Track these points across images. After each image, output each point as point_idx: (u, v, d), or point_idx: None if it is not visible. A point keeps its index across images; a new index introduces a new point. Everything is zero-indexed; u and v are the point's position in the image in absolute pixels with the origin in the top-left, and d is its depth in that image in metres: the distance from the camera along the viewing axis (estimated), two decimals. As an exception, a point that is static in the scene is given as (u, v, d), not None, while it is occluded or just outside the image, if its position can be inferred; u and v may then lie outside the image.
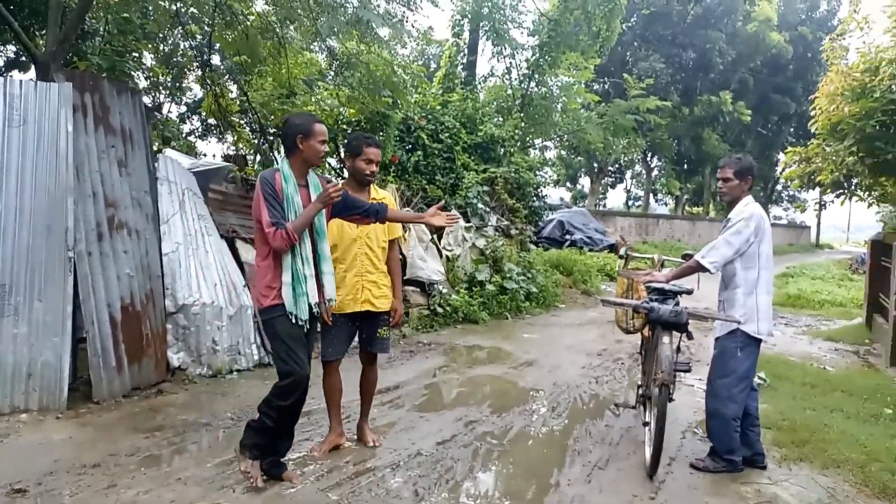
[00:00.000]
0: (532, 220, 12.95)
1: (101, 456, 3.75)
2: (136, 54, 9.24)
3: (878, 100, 8.41)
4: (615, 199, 47.28)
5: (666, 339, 3.87)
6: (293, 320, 3.33)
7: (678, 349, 4.17)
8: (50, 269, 4.47)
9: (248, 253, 6.41)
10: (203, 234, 5.84)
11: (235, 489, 3.43)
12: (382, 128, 9.68)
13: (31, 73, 8.42)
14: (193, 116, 15.19)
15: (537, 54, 14.98)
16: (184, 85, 13.07)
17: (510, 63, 15.54)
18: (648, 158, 34.86)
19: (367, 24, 7.44)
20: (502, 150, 12.60)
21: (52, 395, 4.41)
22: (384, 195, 4.12)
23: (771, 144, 35.48)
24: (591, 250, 16.78)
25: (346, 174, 4.13)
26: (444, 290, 9.00)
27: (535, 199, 12.98)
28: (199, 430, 4.31)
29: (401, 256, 8.73)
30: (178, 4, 8.29)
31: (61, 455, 3.75)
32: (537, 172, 14.00)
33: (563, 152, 27.85)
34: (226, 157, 9.73)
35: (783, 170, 11.96)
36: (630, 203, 43.34)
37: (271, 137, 10.45)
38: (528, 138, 15.73)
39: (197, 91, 13.02)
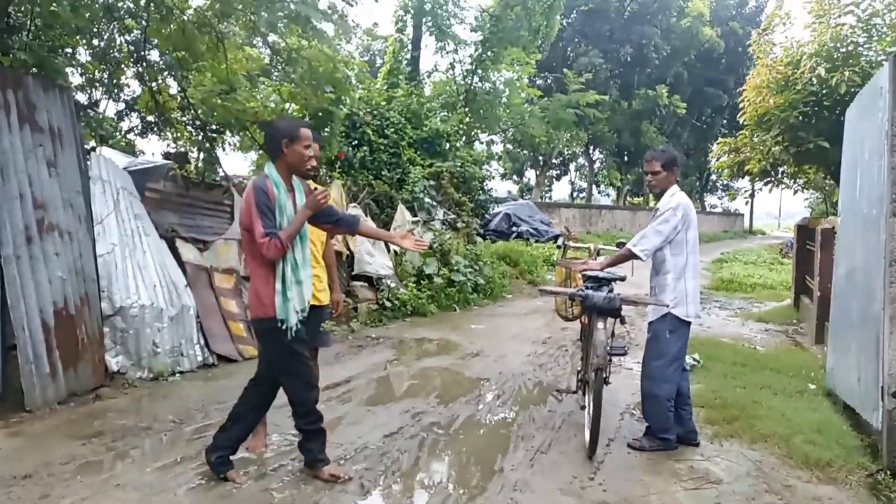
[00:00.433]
0: (478, 213, 13.11)
1: (33, 466, 3.63)
2: (69, 50, 8.87)
3: (799, 91, 8.89)
4: (560, 191, 48.14)
5: (601, 324, 4.02)
6: (282, 328, 3.32)
7: (613, 334, 4.33)
8: (-26, 275, 4.29)
9: (188, 252, 6.29)
10: (140, 234, 5.70)
11: (177, 492, 3.39)
12: (328, 124, 9.60)
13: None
14: (132, 114, 14.68)
15: (480, 50, 15.14)
16: (121, 81, 12.61)
17: (454, 59, 15.67)
18: (591, 151, 35.64)
19: (307, 20, 7.35)
20: (448, 144, 12.70)
21: (-20, 406, 4.24)
22: (323, 189, 4.10)
23: (705, 136, 36.79)
24: (537, 241, 17.08)
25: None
26: (393, 285, 9.03)
27: (480, 192, 13.15)
28: (139, 434, 4.23)
29: (348, 252, 8.77)
30: (110, -2, 8.00)
31: (-9, 466, 3.62)
32: (483, 166, 14.17)
33: (508, 146, 28.17)
34: (166, 155, 9.47)
35: (716, 160, 12.47)
36: (574, 195, 44.21)
37: (213, 134, 10.21)
38: (473, 133, 15.86)
39: (135, 87, 12.60)
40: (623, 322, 4.17)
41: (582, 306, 4.26)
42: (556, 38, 17.39)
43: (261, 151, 11.32)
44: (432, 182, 11.31)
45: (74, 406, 4.67)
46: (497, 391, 5.52)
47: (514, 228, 18.00)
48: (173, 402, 4.88)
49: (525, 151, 31.42)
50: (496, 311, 9.91)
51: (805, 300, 9.31)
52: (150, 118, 11.71)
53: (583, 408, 4.38)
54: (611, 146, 32.95)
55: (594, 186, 40.85)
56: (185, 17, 7.37)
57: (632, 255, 4.20)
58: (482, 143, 18.54)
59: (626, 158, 35.62)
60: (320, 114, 9.00)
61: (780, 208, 62.07)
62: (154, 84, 8.67)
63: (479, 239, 12.63)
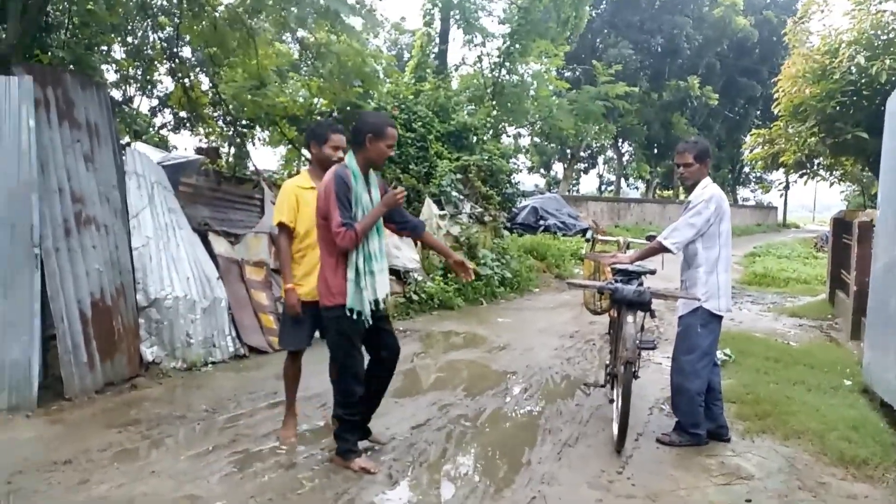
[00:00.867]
0: (505, 207, 13.05)
1: (72, 452, 3.74)
2: (104, 48, 9.08)
3: (837, 81, 8.65)
4: (588, 184, 47.57)
5: (630, 318, 3.98)
6: (354, 317, 3.41)
7: (642, 328, 4.29)
8: (15, 267, 4.41)
9: (220, 245, 6.39)
10: (174, 227, 5.81)
11: (210, 479, 3.46)
12: (355, 118, 9.67)
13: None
14: (165, 110, 14.96)
15: (508, 42, 15.03)
16: (154, 78, 12.87)
17: (481, 51, 15.60)
18: (619, 144, 35.21)
19: (336, 15, 7.41)
20: (475, 138, 12.67)
21: (21, 394, 4.37)
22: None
23: (738, 127, 36.04)
24: (564, 235, 16.95)
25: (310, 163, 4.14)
26: (420, 278, 9.05)
27: (508, 185, 13.07)
28: (173, 423, 4.32)
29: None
30: (143, -5, 8.17)
31: (31, 453, 3.73)
32: (510, 159, 14.10)
33: (536, 139, 28.00)
34: (198, 150, 9.65)
35: (749, 151, 12.21)
36: (602, 188, 43.76)
37: (243, 129, 10.37)
38: (500, 126, 15.80)
39: (168, 84, 12.84)
40: (653, 316, 4.13)
41: (611, 300, 4.23)
42: (585, 29, 17.22)
43: (290, 146, 11.47)
44: (459, 175, 11.29)
45: (111, 395, 4.80)
46: (524, 384, 5.51)
47: (542, 222, 17.88)
48: (206, 392, 4.98)
49: (552, 144, 31.18)
50: (523, 305, 9.88)
51: (840, 295, 9.08)
52: (183, 114, 11.90)
53: (611, 401, 4.35)
54: (640, 138, 32.49)
55: (623, 179, 40.36)
56: (217, 14, 7.49)
57: (662, 249, 4.15)
58: (509, 136, 18.50)
59: (655, 151, 35.10)
60: (348, 108, 9.08)
61: (814, 201, 60.59)
62: (186, 80, 8.83)
63: (506, 232, 12.58)
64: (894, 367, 4.44)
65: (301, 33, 9.08)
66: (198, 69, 11.31)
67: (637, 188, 44.83)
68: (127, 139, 8.09)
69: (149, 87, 12.91)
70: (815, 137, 9.44)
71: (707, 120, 33.69)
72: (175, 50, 9.31)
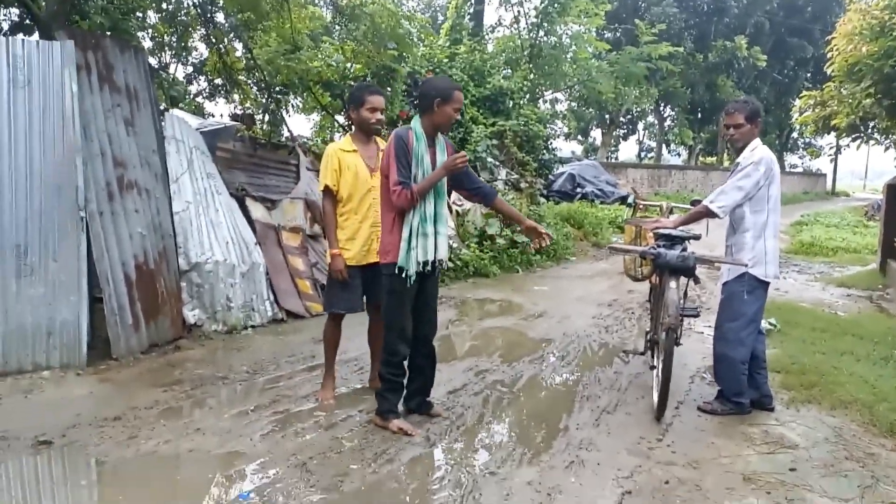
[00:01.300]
0: (542, 174, 12.88)
1: (121, 409, 3.86)
2: (140, 14, 9.12)
3: (897, 38, 8.16)
4: (627, 151, 46.56)
5: (673, 283, 3.88)
6: (403, 276, 3.47)
7: (685, 294, 4.18)
8: (62, 230, 4.52)
9: (257, 211, 6.45)
10: (212, 192, 5.87)
11: (252, 437, 3.54)
12: (389, 82, 9.56)
13: (35, 36, 8.35)
14: (200, 77, 15.07)
15: (546, 2, 14.61)
16: (189, 44, 12.94)
17: (518, 11, 15.25)
18: (661, 108, 34.21)
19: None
20: (511, 102, 12.45)
21: (71, 353, 4.52)
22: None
23: (787, 90, 34.60)
24: (602, 203, 16.68)
25: (353, 128, 4.11)
26: (455, 245, 9.02)
27: (544, 151, 12.88)
28: (216, 383, 4.42)
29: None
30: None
31: (83, 409, 3.86)
32: (547, 125, 13.83)
33: (573, 105, 27.38)
34: (233, 117, 9.70)
35: (799, 114, 11.70)
36: (642, 155, 42.77)
37: (278, 95, 10.36)
38: (537, 90, 15.47)
39: (203, 51, 12.90)
40: (697, 282, 4.02)
41: (653, 265, 4.12)
42: (626, -13, 16.57)
43: (323, 113, 11.44)
44: (495, 141, 11.15)
45: (156, 356, 4.93)
46: (561, 352, 5.47)
47: (579, 189, 17.60)
48: (246, 354, 5.08)
49: (591, 110, 30.48)
50: (560, 273, 9.78)
51: (893, 264, 8.74)
52: (218, 81, 11.96)
53: (652, 368, 4.28)
54: (683, 102, 31.47)
55: (664, 146, 39.31)
56: (251, -23, 7.42)
57: (708, 213, 4.02)
58: (546, 101, 18.12)
59: (699, 115, 34.01)
60: (382, 72, 8.97)
61: (866, 168, 58.19)
62: (221, 46, 8.82)
63: (542, 200, 12.42)
64: (952, 338, 4.25)
65: (334, -5, 8.99)
66: (231, 35, 11.32)
67: (679, 154, 43.66)
68: (164, 105, 8.17)
69: (184, 53, 12.99)
70: (871, 99, 8.97)
71: (754, 82, 32.39)
72: (209, 15, 9.31)
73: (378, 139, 4.10)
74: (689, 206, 4.87)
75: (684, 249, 4.05)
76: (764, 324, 5.54)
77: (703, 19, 30.07)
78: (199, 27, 9.56)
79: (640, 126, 40.86)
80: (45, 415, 3.77)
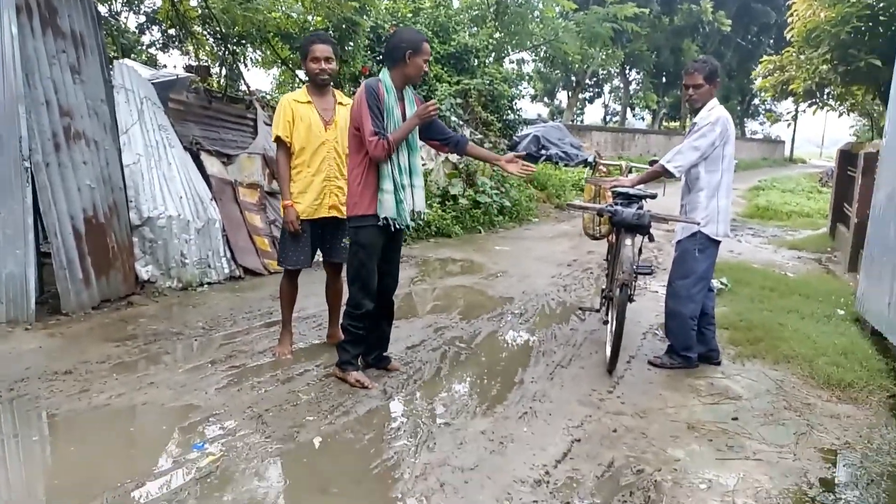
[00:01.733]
0: (506, 134, 12.83)
1: (72, 363, 3.80)
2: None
3: (854, 5, 8.29)
4: (593, 114, 46.72)
5: (628, 241, 3.95)
6: (391, 226, 3.46)
7: (640, 252, 4.27)
8: (5, 181, 4.34)
9: (213, 166, 6.29)
10: (165, 145, 5.69)
11: (207, 391, 3.52)
12: (351, 36, 9.34)
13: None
14: (153, 27, 14.46)
15: (513, -42, 14.37)
16: (141, -9, 12.38)
17: (485, -33, 14.91)
18: (626, 71, 34.24)
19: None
20: (476, 60, 12.30)
21: (19, 307, 4.40)
22: (349, 101, 4.03)
23: (750, 56, 34.89)
24: (566, 165, 16.73)
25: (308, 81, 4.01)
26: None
27: (509, 111, 12.82)
28: (170, 338, 4.37)
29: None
30: None
31: (32, 363, 3.78)
32: (513, 85, 13.74)
33: (540, 66, 27.19)
34: (187, 68, 9.35)
35: (759, 79, 11.87)
36: (608, 118, 42.95)
37: (235, 47, 10.02)
38: (503, 49, 15.29)
39: (156, 0, 12.35)
40: (651, 239, 4.10)
41: (610, 222, 4.18)
42: (594, -54, 16.37)
43: (283, 67, 11.12)
44: (459, 100, 11.04)
45: (108, 311, 4.83)
46: (520, 310, 5.55)
47: (543, 151, 17.59)
48: (202, 310, 5.02)
49: (557, 72, 30.33)
50: (522, 234, 9.86)
51: (841, 228, 9.05)
52: (172, 31, 11.48)
53: (605, 323, 4.39)
54: (648, 66, 31.52)
55: (629, 109, 39.50)
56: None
57: (665, 172, 4.08)
58: (513, 62, 17.94)
59: (664, 79, 34.16)
60: (344, 25, 8.74)
61: (823, 136, 59.70)
62: (175, -7, 8.43)
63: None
64: (887, 296, 4.45)
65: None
66: (187, -19, 10.83)
67: (643, 119, 43.99)
68: (114, 55, 7.82)
69: (135, 1, 12.42)
70: (827, 65, 9.14)
71: (718, 47, 32.56)
72: (163, -40, 8.88)
73: (337, 92, 4.02)
74: (647, 166, 4.92)
75: (640, 208, 4.12)
76: (716, 283, 5.71)
77: (670, -19, 29.93)
78: (150, -28, 9.12)
79: (606, 89, 40.92)
80: (-9, 369, 3.68)
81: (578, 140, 20.53)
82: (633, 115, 43.01)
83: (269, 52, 9.91)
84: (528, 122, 17.99)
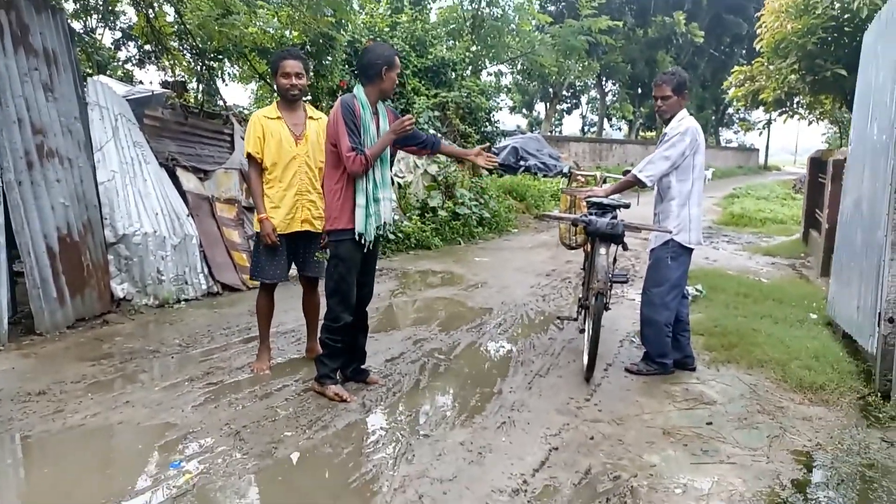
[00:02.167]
0: (484, 146, 12.91)
1: (46, 384, 3.75)
2: (59, -28, 8.59)
3: (819, 16, 8.52)
4: (571, 125, 47.30)
5: (603, 250, 4.01)
6: (362, 242, 3.50)
7: (615, 261, 4.33)
8: (-24, 200, 4.30)
9: (189, 182, 6.26)
10: (140, 161, 5.66)
11: (184, 409, 3.50)
12: (329, 51, 9.37)
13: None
14: (129, 43, 14.38)
15: (488, -27, 14.55)
16: (116, 8, 12.30)
17: (461, -18, 15.07)
18: (603, 83, 34.74)
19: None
20: (453, 74, 12.41)
21: (-9, 328, 4.34)
22: (320, 115, 4.06)
23: (723, 66, 35.56)
24: (545, 176, 16.90)
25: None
26: (397, 217, 9.01)
27: (487, 123, 12.92)
28: (146, 356, 4.33)
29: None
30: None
31: (4, 384, 3.73)
32: (490, 98, 13.86)
33: (518, 78, 27.47)
34: (163, 84, 9.32)
35: (731, 89, 12.12)
36: (585, 129, 43.43)
37: (211, 62, 10.00)
38: (480, 62, 15.45)
39: (131, 15, 12.28)
40: (625, 248, 4.16)
41: (585, 232, 4.24)
42: (568, -39, 16.62)
43: (261, 82, 11.12)
44: (437, 113, 11.12)
45: (83, 330, 4.78)
46: (499, 320, 5.58)
47: (522, 163, 17.77)
48: (179, 328, 4.98)
49: (535, 84, 30.66)
50: (501, 245, 9.92)
51: (814, 234, 9.23)
52: (148, 47, 11.42)
53: (582, 332, 4.43)
54: (624, 77, 32.04)
55: (606, 120, 40.01)
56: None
57: (637, 182, 4.15)
58: (490, 74, 18.10)
59: (639, 90, 34.69)
60: (321, 40, 8.78)
61: (796, 144, 60.91)
62: (150, 10, 8.42)
63: (485, 172, 12.50)
64: (856, 300, 4.55)
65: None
66: (162, -2, 10.80)
67: (620, 129, 44.57)
68: (89, 71, 7.77)
69: (111, 17, 12.35)
70: (796, 75, 9.37)
71: (692, 58, 33.23)
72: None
73: (308, 107, 4.04)
74: (621, 177, 5.00)
75: (614, 217, 4.18)
76: (691, 290, 5.80)
77: (643, -6, 30.48)
78: (125, -11, 9.09)
79: (584, 100, 41.43)
80: (-38, 392, 3.62)
81: (557, 151, 20.76)
82: (611, 126, 43.58)
83: (246, 68, 9.91)
84: (506, 134, 18.15)
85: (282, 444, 3.14)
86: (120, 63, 11.90)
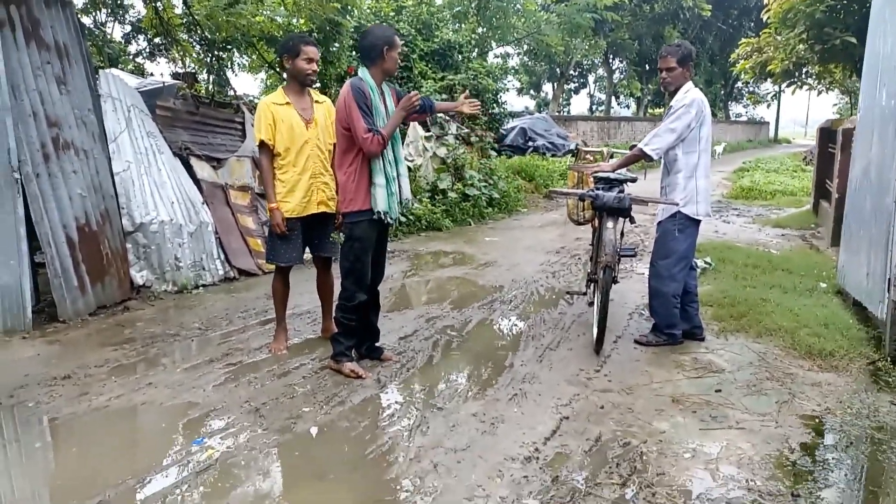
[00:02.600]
0: (493, 128, 12.93)
1: (70, 368, 3.87)
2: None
3: (828, -16, 8.41)
4: (579, 104, 46.96)
5: (610, 224, 4.06)
6: (386, 221, 3.58)
7: (622, 234, 4.37)
8: (-3, 193, 4.41)
9: (203, 170, 6.36)
10: (154, 151, 5.76)
11: (205, 388, 3.61)
12: (335, 37, 9.40)
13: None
14: (139, 36, 14.47)
15: (492, -47, 14.44)
16: (125, 2, 12.38)
17: (465, -37, 14.96)
18: (610, 61, 34.38)
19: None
20: (460, 56, 12.39)
21: (15, 317, 4.47)
22: (324, 99, 4.12)
23: (731, 40, 34.95)
24: (553, 156, 16.83)
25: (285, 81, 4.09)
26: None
27: (495, 105, 12.91)
28: (167, 340, 4.45)
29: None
30: None
31: (31, 370, 3.86)
32: (497, 79, 13.83)
33: (525, 59, 27.29)
34: (174, 76, 9.40)
35: (739, 61, 11.98)
36: (593, 108, 43.09)
37: (220, 53, 10.07)
38: (486, 44, 15.38)
39: (140, 8, 12.35)
40: (633, 222, 4.20)
41: (592, 207, 4.28)
42: (573, -64, 16.43)
43: (270, 71, 11.18)
44: (444, 96, 11.12)
45: (104, 317, 4.90)
46: (509, 297, 5.65)
47: (530, 143, 17.69)
48: (198, 312, 5.10)
49: (542, 64, 30.43)
50: (511, 225, 9.96)
51: (824, 204, 9.19)
52: (157, 40, 11.50)
53: (591, 305, 4.50)
54: (631, 54, 31.66)
55: (613, 98, 39.65)
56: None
57: (643, 155, 4.18)
58: (497, 56, 18.03)
59: (647, 67, 34.28)
60: (328, 27, 8.81)
61: (807, 116, 60.05)
62: (158, 2, 8.49)
63: (493, 153, 12.51)
64: (865, 267, 4.57)
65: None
66: (169, -11, 10.85)
67: (628, 107, 44.18)
68: (100, 64, 7.86)
69: (120, 11, 12.42)
70: (804, 44, 9.27)
71: (700, 33, 32.76)
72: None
73: (311, 91, 4.09)
74: (628, 151, 5.02)
75: (621, 191, 4.22)
76: (700, 262, 5.84)
77: (649, -31, 30.03)
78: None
79: (591, 79, 41.07)
80: (-9, 377, 3.75)
81: (565, 130, 20.63)
82: (619, 104, 43.22)
83: (255, 57, 9.96)
84: (514, 115, 18.09)
85: (300, 419, 3.24)
86: (131, 57, 11.99)
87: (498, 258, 7.30)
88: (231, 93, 9.15)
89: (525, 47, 19.51)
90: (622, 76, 36.19)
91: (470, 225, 9.67)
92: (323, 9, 8.01)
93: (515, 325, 4.89)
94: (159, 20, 8.39)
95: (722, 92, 39.65)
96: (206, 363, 4.00)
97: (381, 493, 2.62)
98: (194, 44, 10.41)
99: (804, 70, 10.52)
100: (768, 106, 41.28)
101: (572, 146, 18.33)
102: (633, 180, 4.46)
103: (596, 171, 4.43)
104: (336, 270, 4.28)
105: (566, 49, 18.31)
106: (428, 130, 10.44)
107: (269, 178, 3.95)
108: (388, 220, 3.63)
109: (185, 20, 9.29)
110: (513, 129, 17.75)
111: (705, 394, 3.55)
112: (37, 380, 3.71)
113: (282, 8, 9.10)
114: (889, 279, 3.95)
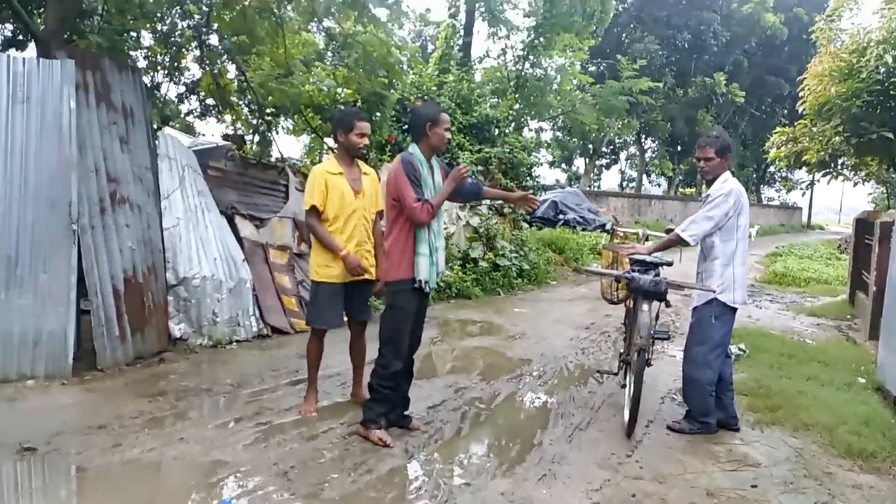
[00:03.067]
0: (525, 200, 13.09)
1: (106, 418, 3.94)
2: (135, 34, 9.30)
3: (864, 80, 8.57)
4: (610, 180, 47.42)
5: (645, 307, 4.07)
6: (424, 289, 3.68)
7: (657, 318, 4.37)
8: (55, 242, 4.62)
9: (246, 229, 6.58)
10: (203, 209, 6.00)
11: (235, 447, 3.64)
12: (379, 108, 9.79)
13: (29, 51, 8.47)
14: (192, 96, 15.27)
15: (532, 35, 15.05)
16: (182, 65, 13.16)
17: (505, 44, 15.63)
18: (642, 140, 34.98)
19: (364, 5, 7.53)
20: (497, 130, 12.74)
21: (57, 363, 4.59)
22: (370, 171, 4.29)
23: (764, 126, 35.49)
24: (583, 230, 16.97)
25: (335, 151, 4.29)
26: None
27: (528, 178, 13.14)
28: (200, 395, 4.51)
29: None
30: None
31: (68, 417, 3.93)
32: (532, 153, 14.14)
33: (558, 134, 27.90)
34: (224, 137, 9.85)
35: (773, 149, 12.12)
36: (624, 184, 43.47)
37: (269, 117, 10.55)
38: (522, 119, 15.83)
39: (195, 71, 13.09)
40: (668, 305, 4.22)
41: (628, 289, 4.32)
42: (610, 23, 17.13)
43: (313, 135, 11.62)
44: (480, 167, 11.39)
45: (141, 368, 5.00)
46: (538, 371, 5.62)
47: (561, 216, 17.92)
48: (231, 368, 5.17)
49: (574, 139, 31.04)
50: (540, 297, 9.97)
51: (861, 295, 9.03)
52: (210, 101, 12.11)
53: (623, 387, 4.46)
54: (663, 135, 32.23)
55: (645, 176, 40.04)
56: (247, 3, 7.64)
57: (680, 241, 4.23)
58: (531, 130, 18.49)
59: (679, 148, 34.77)
60: (372, 98, 9.19)
61: (840, 203, 59.57)
62: (215, 68, 9.00)
63: (525, 225, 12.66)
64: (907, 365, 4.48)
65: (328, 23, 9.23)
66: (225, 57, 11.52)
67: (659, 185, 44.45)
68: (156, 124, 8.29)
69: (176, 73, 13.18)
70: (840, 137, 9.37)
71: (732, 118, 33.30)
72: (204, 38, 9.49)
73: (360, 162, 4.28)
74: (663, 235, 5.08)
75: (657, 275, 4.25)
76: (734, 349, 5.76)
77: (683, 56, 30.91)
78: (192, 48, 9.74)
79: (622, 156, 41.66)
80: (29, 422, 3.83)
81: (595, 205, 20.86)
82: (650, 181, 43.52)
83: (300, 121, 10.39)
84: (546, 188, 18.38)
85: (328, 485, 3.24)
86: (182, 115, 12.61)
87: (527, 330, 7.29)
88: (277, 155, 9.54)
89: (559, 123, 19.97)
90: (654, 155, 36.64)
91: (499, 295, 9.70)
92: (370, 83, 8.39)
93: (544, 401, 4.85)
94: (216, 85, 8.88)
95: (754, 176, 39.82)
96: (237, 421, 4.04)
97: (408, 570, 2.58)
98: (244, 107, 10.94)
99: (840, 161, 10.59)
100: (803, 194, 41.17)
101: (603, 221, 18.49)
102: (670, 264, 4.49)
103: (632, 254, 4.48)
104: (370, 335, 4.36)
105: (600, 127, 18.71)
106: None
107: (327, 233, 4.05)
108: (428, 288, 3.72)
109: (238, 86, 9.81)
110: (544, 201, 18.02)
111: (741, 488, 3.45)
112: (73, 427, 3.78)
113: (329, 79, 9.55)
114: (932, 380, 3.86)
